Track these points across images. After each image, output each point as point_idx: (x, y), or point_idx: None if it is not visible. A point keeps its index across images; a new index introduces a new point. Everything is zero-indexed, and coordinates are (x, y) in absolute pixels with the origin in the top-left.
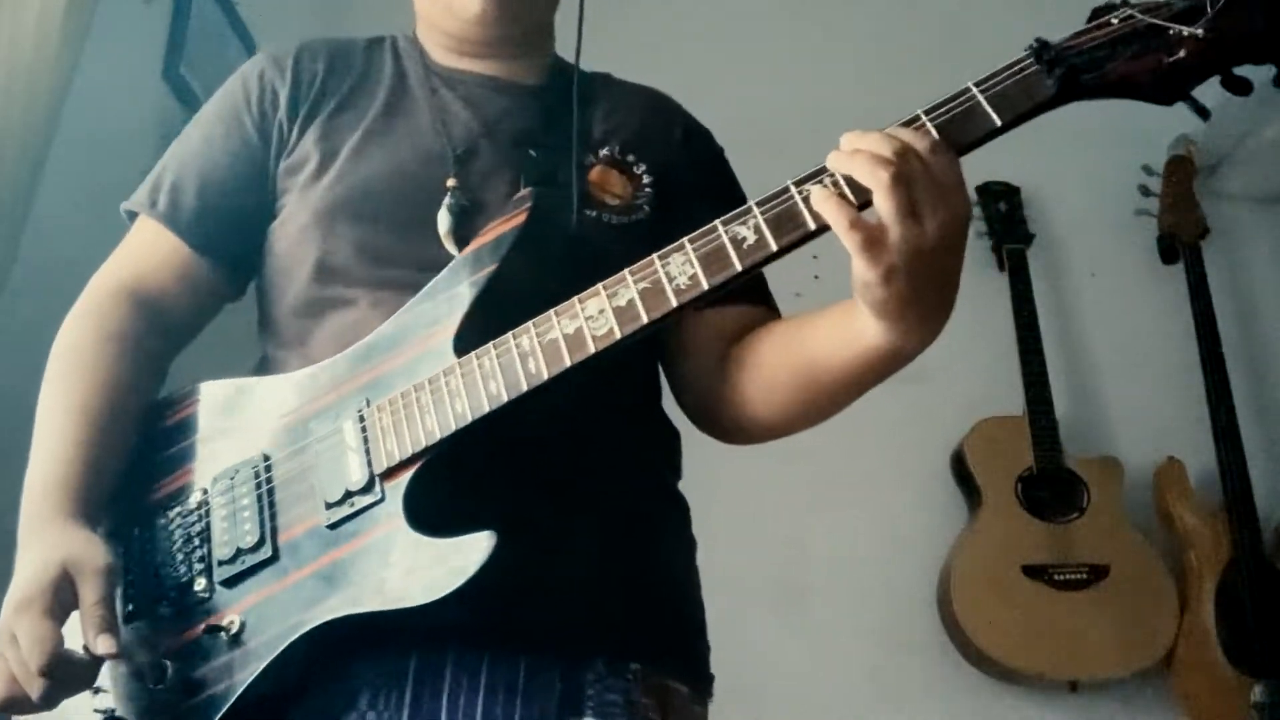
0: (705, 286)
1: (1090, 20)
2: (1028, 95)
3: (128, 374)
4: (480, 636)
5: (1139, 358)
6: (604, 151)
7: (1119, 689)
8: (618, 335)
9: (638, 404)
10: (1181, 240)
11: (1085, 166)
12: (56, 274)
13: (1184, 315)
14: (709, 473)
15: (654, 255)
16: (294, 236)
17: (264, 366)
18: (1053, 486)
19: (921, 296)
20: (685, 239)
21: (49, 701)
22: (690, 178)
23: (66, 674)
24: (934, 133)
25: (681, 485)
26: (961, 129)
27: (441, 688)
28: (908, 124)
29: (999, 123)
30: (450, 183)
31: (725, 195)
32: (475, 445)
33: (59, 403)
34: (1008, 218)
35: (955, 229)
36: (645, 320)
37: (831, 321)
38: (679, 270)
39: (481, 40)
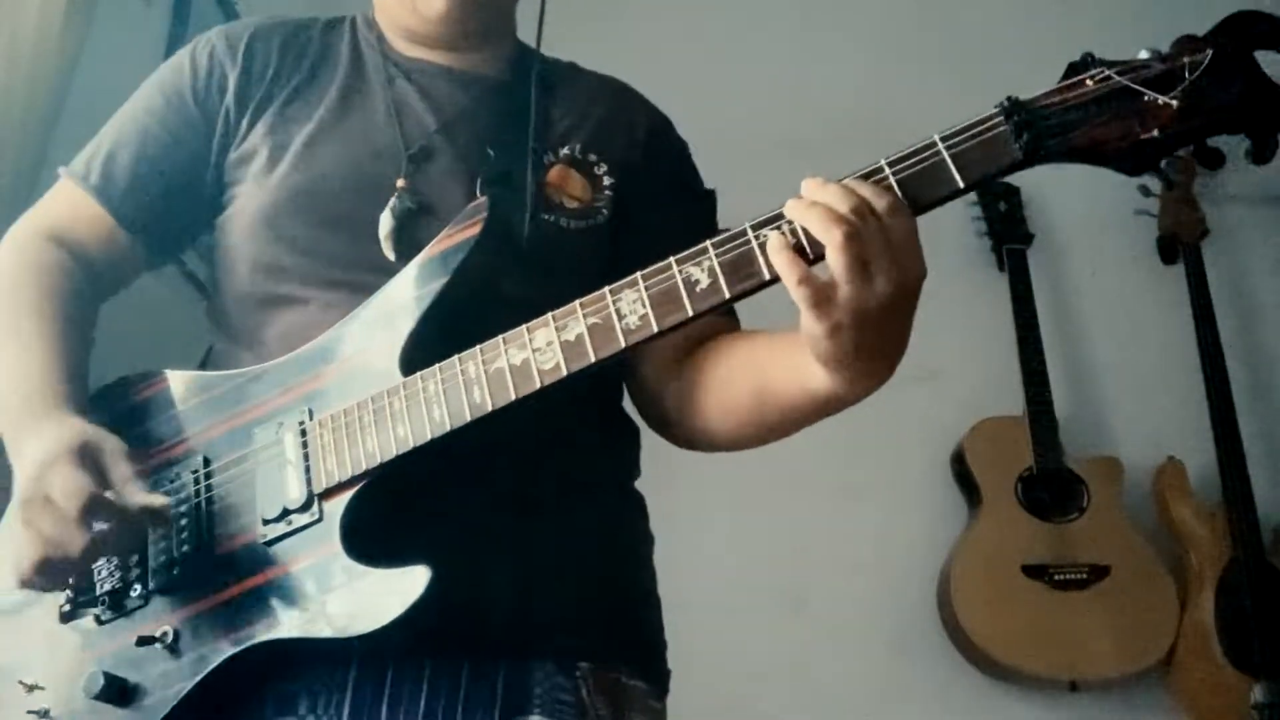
0: (655, 329)
1: (1065, 77)
2: (994, 158)
3: (70, 290)
4: (421, 647)
5: (1139, 358)
6: (564, 150)
7: (1119, 689)
8: (564, 372)
9: (594, 404)
10: (1181, 240)
11: (1085, 166)
12: None
13: (1184, 315)
14: (707, 475)
15: (605, 289)
16: (244, 231)
17: (212, 360)
18: (1053, 486)
19: (866, 353)
20: (639, 274)
21: (89, 556)
22: (651, 178)
23: (107, 523)
24: (896, 189)
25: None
26: (924, 186)
27: (382, 693)
28: (869, 175)
29: (961, 185)
30: (400, 183)
31: (686, 195)
32: (421, 457)
33: (11, 318)
34: (1008, 218)
35: (906, 292)
36: (593, 359)
37: (785, 353)
38: (630, 309)
39: (439, 35)
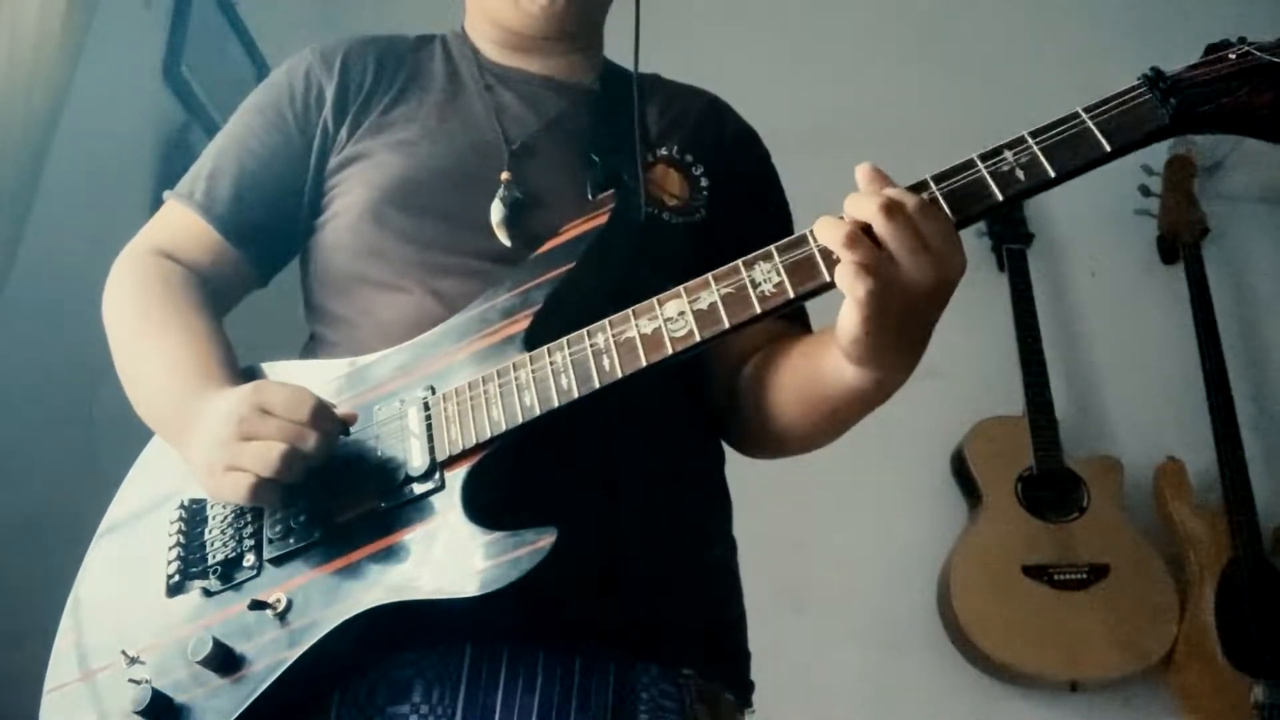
0: (791, 295)
1: (1205, 55)
2: (1140, 123)
3: (201, 293)
4: (536, 633)
5: (1139, 358)
6: (663, 151)
7: (1119, 689)
8: (697, 338)
9: (689, 403)
10: (1181, 240)
11: None
12: (57, 274)
13: (1184, 315)
14: None
15: (738, 261)
16: (348, 225)
17: (315, 348)
18: (1053, 486)
19: (891, 348)
20: (772, 247)
21: (322, 451)
22: (742, 186)
23: (329, 421)
24: (936, 192)
25: None
26: (1069, 154)
27: (496, 684)
28: (1011, 144)
29: (1108, 149)
30: (504, 176)
31: (769, 206)
32: (535, 441)
33: (150, 320)
34: (1008, 218)
35: (938, 289)
36: (727, 325)
37: (822, 351)
38: (764, 278)
39: (539, 35)
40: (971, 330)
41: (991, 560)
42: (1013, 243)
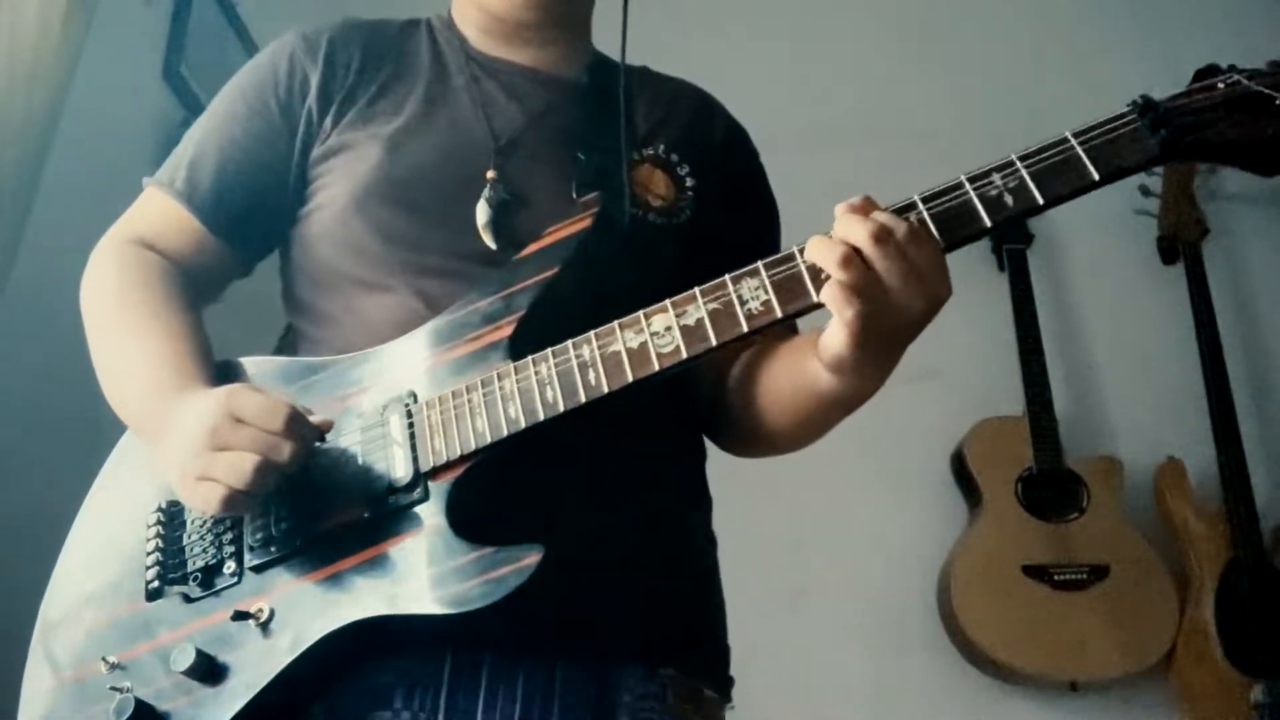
0: (779, 314)
1: (1194, 82)
2: (1129, 151)
3: (178, 285)
4: (517, 639)
5: (1139, 357)
6: (649, 150)
7: (1119, 689)
8: (684, 355)
9: (671, 401)
10: (1181, 240)
11: None
12: (57, 274)
13: (1184, 315)
14: (709, 472)
15: (725, 277)
16: (333, 219)
17: (296, 342)
18: (1053, 486)
19: (871, 362)
20: (760, 263)
21: (297, 461)
22: (729, 186)
23: (305, 430)
24: (925, 214)
25: None
26: (1057, 180)
27: (477, 691)
28: (1000, 168)
29: (1097, 177)
30: (490, 174)
31: (759, 205)
32: (515, 448)
33: (132, 316)
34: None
35: (925, 314)
36: (714, 343)
37: (802, 357)
38: (751, 294)
39: (527, 24)
40: (971, 330)
41: (991, 560)
42: (1013, 243)
